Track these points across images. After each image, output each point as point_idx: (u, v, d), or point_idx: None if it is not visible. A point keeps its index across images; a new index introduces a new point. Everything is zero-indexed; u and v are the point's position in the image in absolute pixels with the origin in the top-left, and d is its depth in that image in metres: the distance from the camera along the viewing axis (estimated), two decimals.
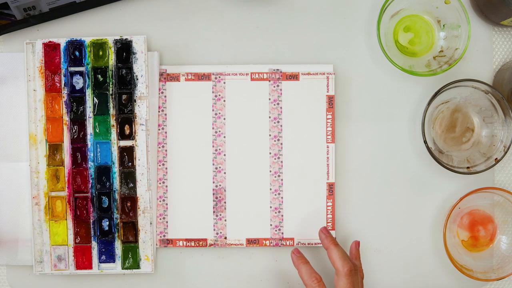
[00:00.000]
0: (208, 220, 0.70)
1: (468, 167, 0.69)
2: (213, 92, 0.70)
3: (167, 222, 0.70)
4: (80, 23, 0.70)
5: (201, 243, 0.70)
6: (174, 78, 0.70)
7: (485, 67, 0.72)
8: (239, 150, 0.70)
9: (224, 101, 0.70)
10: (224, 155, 0.70)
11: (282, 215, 0.70)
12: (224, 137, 0.70)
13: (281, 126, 0.70)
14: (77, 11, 0.69)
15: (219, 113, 0.70)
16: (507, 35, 0.72)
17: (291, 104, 0.70)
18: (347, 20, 0.71)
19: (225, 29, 0.71)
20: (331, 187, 0.70)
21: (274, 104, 0.70)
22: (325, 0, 0.71)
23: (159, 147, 0.70)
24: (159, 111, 0.70)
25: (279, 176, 0.70)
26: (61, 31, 0.70)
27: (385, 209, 0.71)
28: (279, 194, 0.70)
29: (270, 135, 0.70)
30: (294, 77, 0.70)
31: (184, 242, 0.70)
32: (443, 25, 0.70)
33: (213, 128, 0.70)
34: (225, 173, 0.70)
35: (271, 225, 0.70)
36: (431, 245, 0.72)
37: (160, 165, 0.70)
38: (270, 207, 0.70)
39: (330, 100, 0.70)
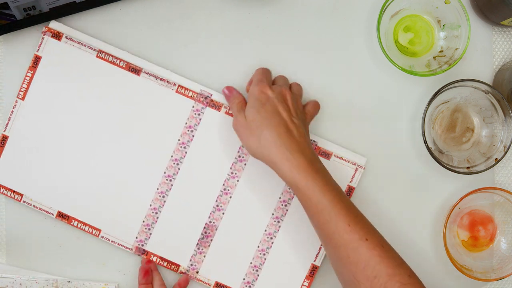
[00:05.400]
0: (189, 249, 0.70)
1: (468, 167, 0.69)
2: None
3: (150, 234, 0.69)
4: (80, 23, 0.70)
5: (173, 267, 0.70)
6: (216, 106, 0.69)
7: (485, 67, 0.72)
8: (245, 200, 0.69)
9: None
10: (230, 197, 0.69)
11: (258, 275, 0.70)
12: (238, 181, 0.69)
13: (294, 194, 0.69)
14: (77, 11, 0.69)
15: (243, 157, 0.69)
16: (507, 35, 0.72)
17: None
18: (347, 20, 0.71)
19: (225, 29, 0.70)
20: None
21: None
22: (325, 0, 0.71)
23: (174, 163, 0.69)
24: (188, 131, 0.69)
25: (271, 238, 0.70)
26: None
27: (385, 209, 0.71)
28: (264, 255, 0.70)
29: (280, 197, 0.69)
30: (327, 155, 0.69)
31: (158, 259, 0.70)
32: (443, 25, 0.70)
33: (230, 168, 0.69)
34: (223, 213, 0.69)
35: (244, 279, 0.70)
36: (431, 245, 0.72)
37: (167, 180, 0.69)
38: (251, 262, 0.70)
39: (350, 191, 0.70)
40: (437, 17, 0.70)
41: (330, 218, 0.58)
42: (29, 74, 0.68)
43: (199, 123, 0.69)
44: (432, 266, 0.72)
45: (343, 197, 0.60)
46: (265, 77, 0.66)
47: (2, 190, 0.69)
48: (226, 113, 0.69)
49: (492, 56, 0.72)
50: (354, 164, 0.69)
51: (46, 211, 0.69)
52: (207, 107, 0.69)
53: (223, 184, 0.69)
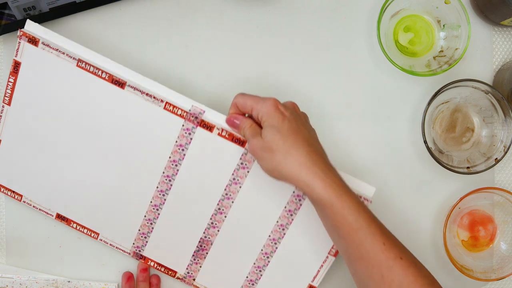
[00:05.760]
0: (185, 258, 0.69)
1: (468, 167, 0.69)
2: (240, 158, 0.66)
3: (147, 242, 0.69)
4: (80, 23, 0.70)
5: (170, 272, 0.70)
6: (208, 127, 0.65)
7: (485, 67, 0.72)
8: (241, 220, 0.68)
9: (248, 172, 0.66)
10: (225, 216, 0.68)
11: None
12: (233, 202, 0.67)
13: (293, 219, 0.67)
14: (77, 11, 0.69)
15: (238, 180, 0.66)
16: (507, 35, 0.72)
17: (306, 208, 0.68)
18: (347, 20, 0.71)
19: (225, 29, 0.70)
20: None
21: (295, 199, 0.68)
22: (325, 0, 0.71)
23: (166, 179, 0.67)
24: (179, 149, 0.65)
25: (267, 258, 0.69)
26: (61, 31, 0.70)
27: (385, 209, 0.71)
28: (260, 271, 0.69)
29: (277, 221, 0.68)
30: None
31: (155, 265, 0.70)
32: (443, 25, 0.70)
33: (225, 189, 0.67)
34: (218, 231, 0.68)
35: None
36: (431, 245, 0.72)
37: (160, 194, 0.67)
38: (247, 277, 0.69)
39: None
40: (437, 17, 0.70)
41: (365, 237, 0.56)
42: (12, 80, 0.65)
43: (190, 142, 0.65)
44: (432, 266, 0.72)
45: (374, 216, 0.58)
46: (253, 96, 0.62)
47: (2, 189, 0.69)
48: (219, 134, 0.64)
49: (492, 56, 0.72)
50: (361, 197, 0.66)
51: (46, 212, 0.69)
52: (198, 127, 0.65)
53: (218, 204, 0.67)
